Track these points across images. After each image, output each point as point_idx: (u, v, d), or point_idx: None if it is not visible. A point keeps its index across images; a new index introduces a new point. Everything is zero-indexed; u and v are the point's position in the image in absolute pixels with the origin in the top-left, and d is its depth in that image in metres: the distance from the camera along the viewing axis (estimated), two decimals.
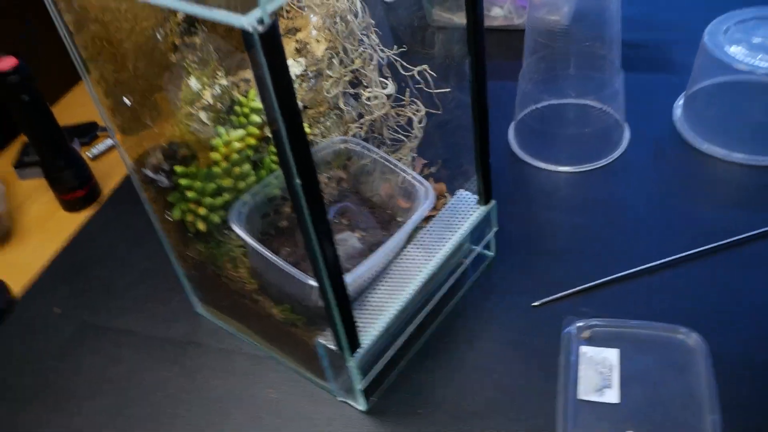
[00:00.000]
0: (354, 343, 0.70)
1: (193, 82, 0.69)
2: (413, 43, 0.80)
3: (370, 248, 0.76)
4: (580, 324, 0.80)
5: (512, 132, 1.12)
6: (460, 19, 1.41)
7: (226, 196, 0.72)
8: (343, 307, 0.65)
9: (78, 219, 1.08)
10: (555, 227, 0.93)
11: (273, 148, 0.79)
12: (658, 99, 1.12)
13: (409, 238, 0.79)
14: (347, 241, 0.78)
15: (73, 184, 1.08)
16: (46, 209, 1.11)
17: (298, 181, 0.52)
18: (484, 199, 0.84)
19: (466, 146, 0.79)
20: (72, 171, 1.09)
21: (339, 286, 0.63)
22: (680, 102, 1.12)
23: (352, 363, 0.71)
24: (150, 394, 0.80)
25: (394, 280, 0.76)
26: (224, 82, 0.70)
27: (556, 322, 0.81)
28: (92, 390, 0.82)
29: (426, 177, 0.88)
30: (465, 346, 0.80)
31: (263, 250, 0.66)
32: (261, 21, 0.44)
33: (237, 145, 0.71)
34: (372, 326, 0.72)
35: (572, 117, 1.11)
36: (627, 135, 1.09)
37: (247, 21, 0.44)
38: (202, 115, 0.71)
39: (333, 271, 0.61)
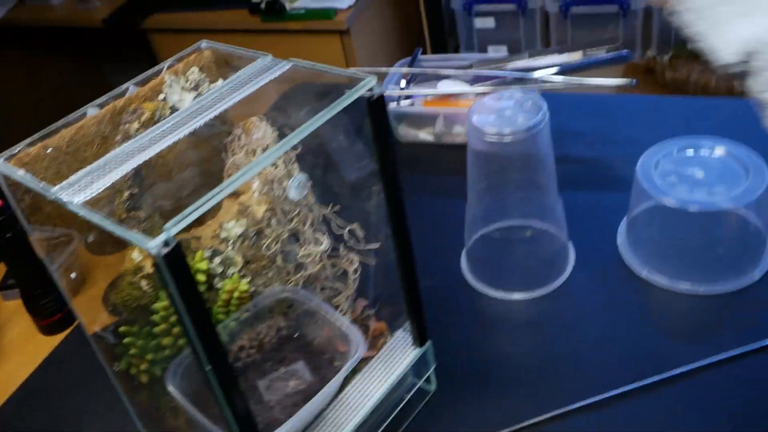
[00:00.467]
0: None
1: (135, 254, 0.77)
2: (352, 198, 0.87)
3: (305, 397, 0.81)
4: None
5: (464, 259, 1.18)
6: (425, 135, 1.51)
7: (167, 352, 0.79)
8: None
9: (55, 342, 1.13)
10: (501, 358, 0.95)
11: (220, 301, 0.86)
12: (605, 219, 1.13)
13: (348, 380, 0.85)
14: (284, 389, 0.84)
15: (51, 310, 1.16)
16: (26, 331, 1.17)
17: (208, 367, 0.58)
18: (419, 341, 0.90)
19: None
20: (50, 299, 1.17)
21: None
22: (623, 226, 1.18)
23: None
24: None
25: (328, 427, 0.82)
26: None
27: None
28: None
29: (367, 317, 0.94)
30: None
31: (189, 408, 0.72)
32: (166, 243, 0.52)
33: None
34: None
35: (519, 241, 1.17)
36: (572, 259, 1.14)
37: (153, 245, 0.52)
38: (143, 283, 0.78)
39: None
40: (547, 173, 1.14)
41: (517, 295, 1.05)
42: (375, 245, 0.87)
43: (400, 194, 0.70)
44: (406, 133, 1.42)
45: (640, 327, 0.94)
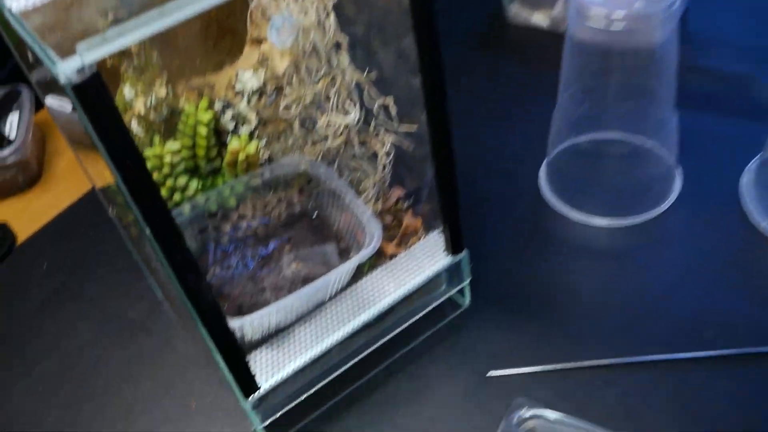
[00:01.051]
0: (249, 386, 0.67)
1: (127, 91, 0.68)
2: (394, 68, 0.73)
3: (303, 281, 0.72)
4: (524, 414, 0.71)
5: (544, 171, 1.01)
6: (539, 19, 1.29)
7: None
8: (228, 354, 0.62)
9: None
10: (560, 287, 0.82)
11: (226, 161, 0.76)
12: (731, 152, 0.92)
13: (364, 275, 0.72)
14: (282, 269, 0.75)
15: None
16: (75, 163, 1.14)
17: (147, 231, 0.49)
18: (452, 248, 0.77)
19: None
20: None
21: (220, 335, 0.60)
22: (754, 165, 0.95)
23: (247, 406, 0.68)
24: (99, 369, 0.83)
25: (329, 319, 0.72)
26: (162, 91, 0.68)
27: (507, 401, 0.73)
28: (44, 355, 0.86)
29: (401, 211, 0.82)
30: (399, 407, 0.74)
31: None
32: (81, 70, 0.41)
33: (167, 159, 0.69)
34: (287, 365, 0.69)
35: (614, 157, 0.98)
36: (677, 189, 0.94)
37: (64, 69, 0.41)
38: (134, 124, 0.70)
39: (208, 316, 0.58)
40: (664, 79, 0.91)
41: (599, 221, 0.89)
42: (411, 127, 0.73)
43: (439, 68, 0.55)
44: (518, 12, 1.21)
45: (745, 293, 0.76)
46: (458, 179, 0.67)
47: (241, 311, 0.69)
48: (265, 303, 0.68)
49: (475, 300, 0.80)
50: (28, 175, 1.10)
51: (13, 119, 1.16)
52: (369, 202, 0.74)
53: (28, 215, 1.06)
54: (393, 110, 0.68)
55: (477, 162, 0.96)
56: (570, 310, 0.79)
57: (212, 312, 0.54)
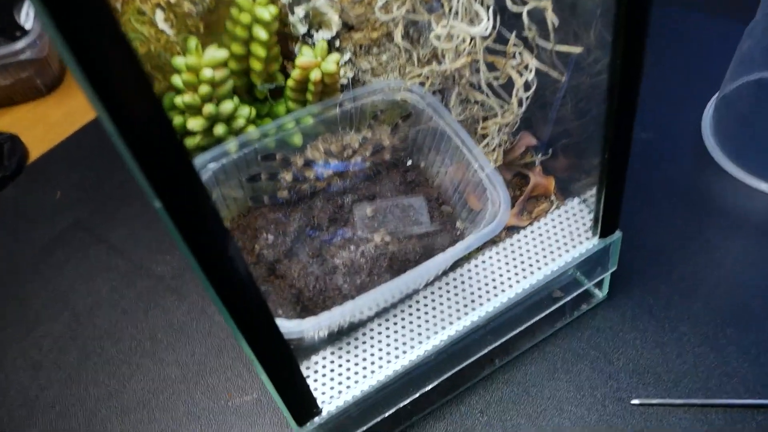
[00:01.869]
0: (306, 410, 0.47)
1: None
2: None
3: (390, 262, 0.50)
4: None
5: (709, 115, 0.76)
6: None
7: (197, 139, 0.49)
8: (277, 373, 0.41)
9: None
10: (724, 277, 0.65)
11: (291, 81, 0.53)
12: None
13: (469, 256, 0.57)
14: (361, 242, 0.53)
15: None
16: None
17: (157, 203, 0.27)
18: (603, 228, 0.53)
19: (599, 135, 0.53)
20: None
21: (267, 348, 0.39)
22: None
23: None
24: (114, 337, 0.68)
25: (422, 317, 0.51)
26: None
27: None
28: (47, 312, 0.71)
29: (528, 165, 0.59)
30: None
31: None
32: None
33: (208, 73, 0.47)
34: (361, 381, 0.49)
35: None
36: None
37: None
38: (159, 16, 0.46)
39: (250, 322, 0.37)
40: None
41: None
42: (575, 49, 0.49)
43: None
44: None
45: None
46: None
47: (300, 301, 0.48)
48: (336, 292, 0.48)
49: (612, 290, 0.65)
50: (46, 78, 0.91)
51: (30, 6, 0.94)
52: (490, 153, 0.50)
53: (43, 127, 0.90)
54: (552, 20, 0.44)
55: None
56: (737, 311, 0.63)
57: (257, 317, 0.37)
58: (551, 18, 0.48)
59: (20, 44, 0.89)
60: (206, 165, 0.52)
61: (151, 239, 0.75)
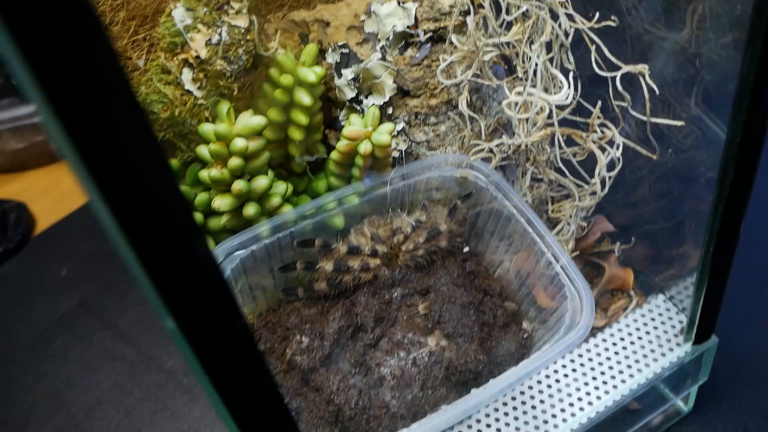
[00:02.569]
0: None
1: (179, 13, 0.37)
2: (647, 17, 0.42)
3: (448, 375, 0.41)
4: None
5: None
6: None
7: (223, 219, 0.41)
8: None
9: None
10: None
11: (336, 154, 0.45)
12: None
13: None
14: (412, 346, 0.44)
15: None
16: None
17: (170, 323, 0.22)
18: (698, 333, 0.44)
19: (690, 222, 0.43)
20: None
21: None
22: None
23: None
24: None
25: None
26: (242, 20, 0.37)
27: None
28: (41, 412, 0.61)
29: (604, 255, 0.51)
30: None
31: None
32: None
33: (241, 144, 0.39)
34: None
35: None
36: None
37: None
38: (186, 76, 0.39)
39: None
40: None
41: None
42: (677, 123, 0.41)
43: None
44: None
45: None
46: None
47: (339, 421, 0.40)
48: (383, 410, 0.42)
49: (698, 403, 0.56)
50: None
51: None
52: (563, 242, 0.42)
53: (53, 195, 0.84)
54: (646, 88, 0.36)
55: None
56: None
57: None
58: (648, 85, 0.40)
59: (33, 107, 0.83)
60: (233, 253, 0.44)
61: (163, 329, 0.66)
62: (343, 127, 0.45)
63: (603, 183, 0.46)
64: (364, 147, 0.44)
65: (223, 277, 0.21)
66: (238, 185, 0.42)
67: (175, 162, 0.44)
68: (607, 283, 0.53)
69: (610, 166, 0.45)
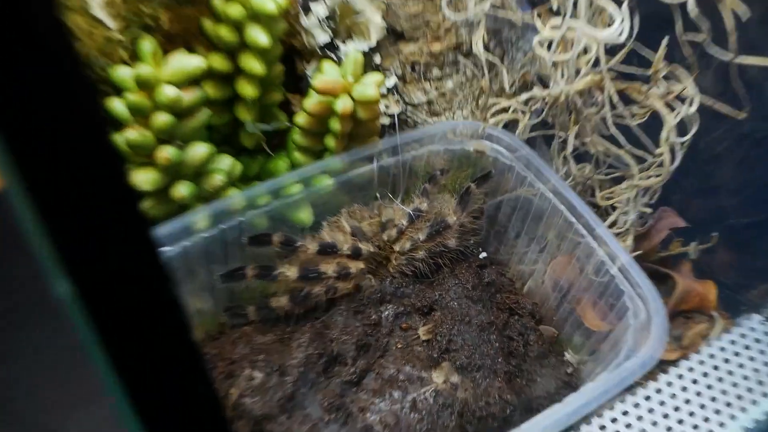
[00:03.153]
0: None
1: None
2: None
3: (462, 425, 0.40)
4: None
5: None
6: None
7: (145, 204, 0.36)
8: None
9: None
10: None
11: (303, 117, 0.40)
12: None
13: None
14: (405, 391, 0.38)
15: None
16: None
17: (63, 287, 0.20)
18: None
19: None
20: None
21: None
22: None
23: None
24: None
25: None
26: None
27: None
28: None
29: (673, 261, 0.50)
30: None
31: None
32: None
33: (170, 93, 0.33)
34: None
35: None
36: None
37: None
38: (96, 11, 0.33)
39: None
40: None
41: None
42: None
43: None
44: None
45: None
46: None
47: None
48: None
49: None
50: None
51: None
52: (622, 237, 0.38)
53: None
54: (731, 16, 0.31)
55: None
56: None
57: None
58: (733, 10, 0.34)
59: None
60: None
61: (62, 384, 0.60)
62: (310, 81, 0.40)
63: (672, 153, 0.40)
64: (343, 105, 0.39)
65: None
66: (165, 152, 0.36)
67: None
68: (680, 301, 0.48)
69: (681, 130, 0.40)
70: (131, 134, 0.37)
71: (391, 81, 0.41)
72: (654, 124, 0.45)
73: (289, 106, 0.46)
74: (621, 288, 0.42)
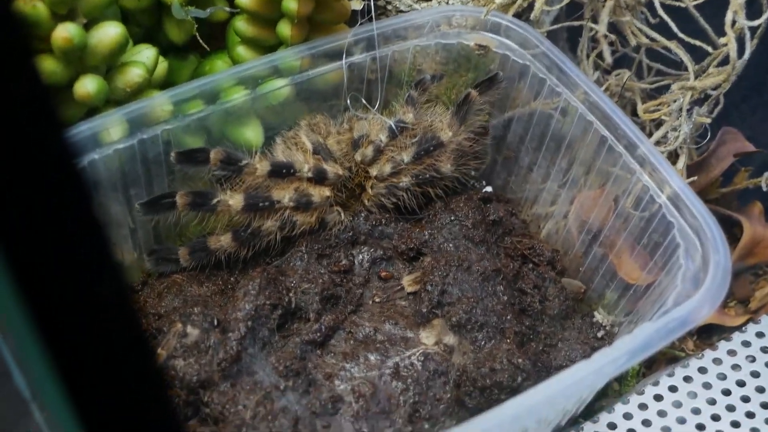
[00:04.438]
0: None
1: None
2: None
3: (460, 397, 0.46)
4: None
5: None
6: None
7: None
8: None
9: None
10: None
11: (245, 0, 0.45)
12: None
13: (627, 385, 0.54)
14: (386, 354, 0.45)
15: None
16: None
17: None
18: None
19: None
20: None
21: None
22: None
23: None
24: None
25: None
26: None
27: None
28: None
29: (742, 199, 0.58)
30: None
31: None
32: None
33: None
34: None
35: None
36: None
37: None
38: None
39: None
40: None
41: None
42: None
43: None
44: None
45: None
46: None
47: None
48: None
49: None
50: None
51: None
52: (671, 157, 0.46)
53: None
54: None
55: None
56: None
57: None
58: None
59: None
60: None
61: None
62: None
63: (740, 43, 0.45)
64: None
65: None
66: (66, 31, 0.42)
67: None
68: (747, 252, 0.56)
69: (753, 12, 0.45)
70: (17, 6, 0.42)
71: None
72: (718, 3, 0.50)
73: None
74: (670, 220, 0.48)
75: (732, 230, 0.54)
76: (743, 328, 0.53)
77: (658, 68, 0.52)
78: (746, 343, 0.51)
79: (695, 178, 0.52)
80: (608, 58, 0.51)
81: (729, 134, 0.53)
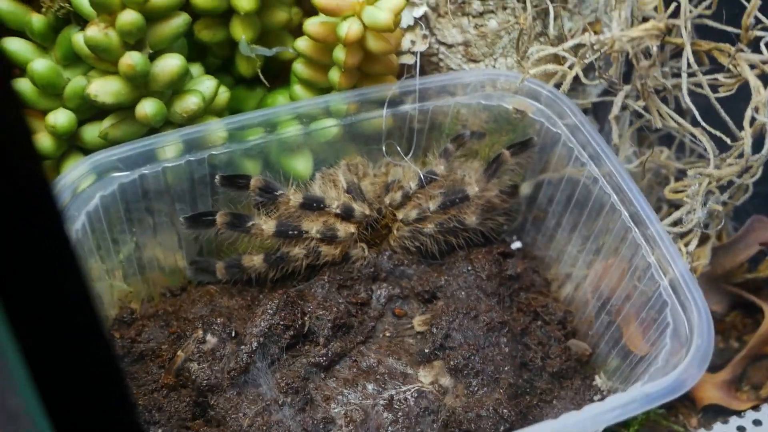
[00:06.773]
0: None
1: None
2: None
3: None
4: None
5: None
6: None
7: (104, 124, 0.45)
8: None
9: None
10: None
11: (305, 42, 0.49)
12: None
13: None
14: (383, 386, 0.47)
15: None
16: None
17: None
18: None
19: None
20: None
21: None
22: None
23: None
24: None
25: None
26: None
27: None
28: None
29: (760, 285, 0.59)
30: None
31: None
32: None
33: None
34: None
35: None
36: None
37: None
38: None
39: None
40: None
41: None
42: None
43: None
44: None
45: None
46: None
47: None
48: None
49: None
50: None
51: None
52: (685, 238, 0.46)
53: None
54: None
55: None
56: None
57: None
58: None
59: None
60: (109, 172, 0.50)
61: None
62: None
63: (762, 138, 0.46)
64: (348, 28, 0.49)
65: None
66: (130, 59, 0.47)
67: (40, 21, 0.48)
68: (766, 339, 0.56)
69: None
70: (92, 31, 0.48)
71: (420, 10, 0.50)
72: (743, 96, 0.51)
73: (301, 30, 0.55)
74: (665, 299, 0.49)
75: (755, 316, 0.55)
76: (742, 414, 0.53)
77: (700, 152, 0.53)
78: (741, 429, 0.51)
79: (705, 261, 0.53)
80: (650, 136, 0.52)
81: (759, 222, 0.54)
